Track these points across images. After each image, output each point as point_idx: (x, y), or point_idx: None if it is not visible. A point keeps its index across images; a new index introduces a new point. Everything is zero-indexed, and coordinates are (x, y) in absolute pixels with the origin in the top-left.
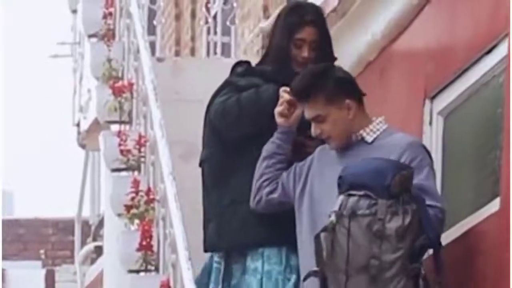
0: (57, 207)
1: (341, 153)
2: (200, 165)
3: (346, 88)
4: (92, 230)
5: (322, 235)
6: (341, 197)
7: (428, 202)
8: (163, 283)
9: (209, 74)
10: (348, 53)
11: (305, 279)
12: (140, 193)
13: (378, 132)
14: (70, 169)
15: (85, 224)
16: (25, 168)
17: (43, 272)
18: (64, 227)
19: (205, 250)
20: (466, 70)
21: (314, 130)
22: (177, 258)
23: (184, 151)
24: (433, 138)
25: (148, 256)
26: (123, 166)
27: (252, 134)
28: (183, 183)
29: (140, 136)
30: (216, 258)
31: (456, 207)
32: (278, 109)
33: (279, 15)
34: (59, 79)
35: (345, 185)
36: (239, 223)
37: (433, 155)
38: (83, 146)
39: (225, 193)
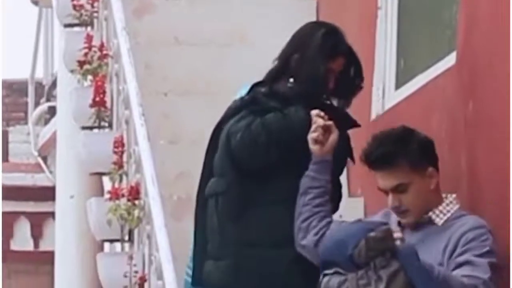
0: (10, 68)
1: (408, 232)
2: (212, 196)
3: (429, 154)
4: (46, 90)
5: None
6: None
7: (473, 273)
8: (117, 139)
9: None
10: None
11: None
12: (93, 49)
13: (448, 214)
14: (23, 28)
15: (39, 85)
16: None
17: None
18: (18, 88)
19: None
20: None
21: (392, 201)
22: (130, 114)
23: (137, 6)
24: None
25: (101, 112)
26: (76, 21)
27: (280, 162)
28: (136, 38)
29: None
30: None
31: (413, 62)
32: (312, 135)
33: (311, 34)
34: None
35: (320, 265)
36: (263, 269)
37: (389, 10)
38: (35, 3)
39: (244, 231)
